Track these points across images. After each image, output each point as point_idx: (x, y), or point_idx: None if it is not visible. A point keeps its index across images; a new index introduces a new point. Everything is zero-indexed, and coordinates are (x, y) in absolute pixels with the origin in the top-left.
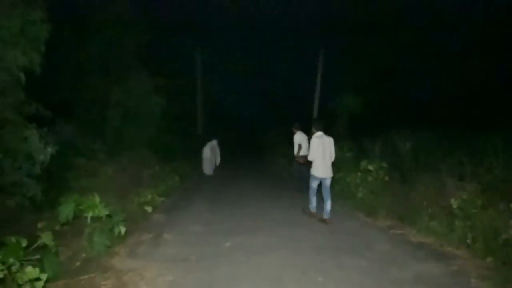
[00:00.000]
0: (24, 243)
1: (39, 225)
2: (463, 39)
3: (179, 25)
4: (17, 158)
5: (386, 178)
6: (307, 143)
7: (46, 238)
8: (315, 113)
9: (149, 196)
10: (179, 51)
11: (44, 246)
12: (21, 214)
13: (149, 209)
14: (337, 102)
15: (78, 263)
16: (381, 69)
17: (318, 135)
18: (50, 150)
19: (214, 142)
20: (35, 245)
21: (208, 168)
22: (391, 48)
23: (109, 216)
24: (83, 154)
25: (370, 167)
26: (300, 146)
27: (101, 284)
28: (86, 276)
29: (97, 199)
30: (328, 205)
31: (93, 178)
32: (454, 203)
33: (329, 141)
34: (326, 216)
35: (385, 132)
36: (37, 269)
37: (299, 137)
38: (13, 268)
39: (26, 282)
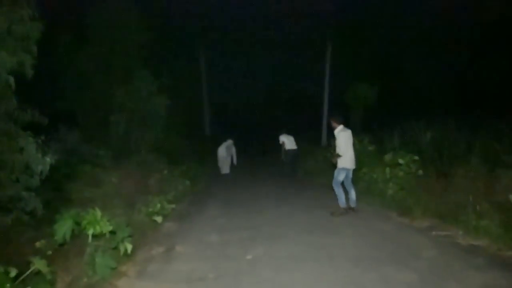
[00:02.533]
0: (13, 272)
1: (38, 244)
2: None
3: (183, 25)
4: (13, 170)
5: (420, 172)
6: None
7: (39, 264)
8: (325, 108)
9: (158, 205)
10: (184, 51)
11: (38, 273)
12: (19, 231)
13: (158, 219)
14: (351, 93)
15: None
16: (390, 58)
17: (341, 128)
18: (49, 159)
19: (229, 142)
20: (26, 274)
21: (224, 167)
22: (399, 36)
23: (113, 232)
24: (88, 161)
25: (401, 161)
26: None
27: None
28: None
29: (98, 213)
30: (353, 194)
31: (96, 187)
32: None
33: (350, 133)
34: (353, 204)
35: (400, 122)
36: None
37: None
38: None
39: None
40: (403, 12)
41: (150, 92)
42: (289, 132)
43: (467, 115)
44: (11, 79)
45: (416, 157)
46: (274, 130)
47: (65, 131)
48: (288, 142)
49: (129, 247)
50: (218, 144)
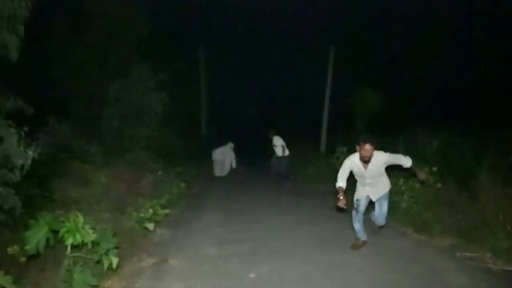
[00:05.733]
0: None
1: (10, 250)
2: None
3: (184, 22)
4: None
5: (439, 185)
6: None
7: (3, 280)
8: (325, 112)
9: (151, 210)
10: (183, 49)
11: None
12: None
13: (150, 226)
14: (357, 98)
15: None
16: (393, 64)
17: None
18: (31, 153)
19: (228, 146)
20: None
21: (218, 170)
22: (403, 42)
23: (96, 242)
24: (77, 157)
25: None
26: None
27: None
28: None
29: (80, 219)
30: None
31: (83, 187)
32: None
33: None
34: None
35: (404, 130)
36: None
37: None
38: None
39: None
40: (410, 18)
41: (148, 87)
42: (279, 134)
43: (472, 124)
44: None
45: (435, 168)
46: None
47: (54, 123)
48: (283, 147)
49: (115, 261)
50: (215, 144)
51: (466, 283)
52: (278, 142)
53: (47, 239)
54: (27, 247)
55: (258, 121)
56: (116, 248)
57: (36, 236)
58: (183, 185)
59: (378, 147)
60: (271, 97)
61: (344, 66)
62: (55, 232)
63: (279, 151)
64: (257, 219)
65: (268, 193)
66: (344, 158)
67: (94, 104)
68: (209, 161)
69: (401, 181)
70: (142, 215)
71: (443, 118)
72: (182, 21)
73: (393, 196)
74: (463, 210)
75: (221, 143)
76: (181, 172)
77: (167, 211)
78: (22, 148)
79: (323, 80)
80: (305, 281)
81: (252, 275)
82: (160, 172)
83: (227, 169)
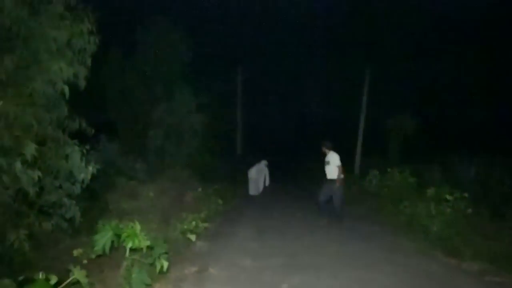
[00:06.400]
0: (53, 279)
1: (75, 252)
2: None
3: (221, 46)
4: (57, 176)
5: (469, 210)
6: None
7: (78, 274)
8: (360, 135)
9: (193, 223)
10: (220, 70)
11: (77, 283)
12: (58, 238)
13: (192, 237)
14: (393, 123)
15: None
16: (432, 88)
17: None
18: (91, 168)
19: (263, 164)
20: (65, 283)
21: (253, 189)
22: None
23: (150, 247)
24: (123, 173)
25: (449, 197)
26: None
27: None
28: None
29: (137, 227)
30: None
31: (133, 200)
32: None
33: None
34: None
35: (440, 155)
36: None
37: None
38: None
39: None
40: (448, 41)
41: (189, 109)
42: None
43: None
44: (67, 89)
45: (466, 194)
46: (304, 155)
47: (105, 142)
48: (339, 168)
49: (166, 264)
50: (250, 163)
51: None
52: (333, 159)
53: (112, 242)
54: (95, 248)
55: (292, 143)
56: (167, 253)
57: (103, 239)
58: (220, 201)
59: (414, 172)
60: (305, 118)
61: (380, 88)
62: (118, 237)
63: (332, 172)
64: (289, 236)
65: (300, 212)
66: (376, 182)
67: (139, 124)
68: (243, 180)
69: (433, 205)
70: (185, 227)
71: (485, 145)
72: (220, 45)
73: (423, 219)
74: (495, 237)
75: (255, 161)
76: (218, 189)
77: (206, 224)
78: (83, 164)
79: (358, 102)
80: None
81: (284, 285)
82: (200, 189)
83: (261, 188)
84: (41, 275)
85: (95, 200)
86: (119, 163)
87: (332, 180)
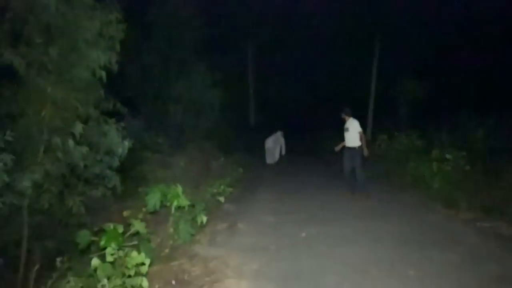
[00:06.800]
0: (120, 229)
1: (125, 213)
2: None
3: (232, 19)
4: (99, 151)
5: (467, 167)
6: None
7: (138, 225)
8: (371, 103)
9: (222, 187)
10: (232, 44)
11: (137, 233)
12: (105, 205)
13: (221, 199)
14: (400, 88)
15: (167, 250)
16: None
17: None
18: (127, 143)
19: (278, 134)
20: (129, 232)
21: (270, 158)
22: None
23: (191, 206)
24: (148, 148)
25: (449, 156)
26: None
27: (191, 270)
28: (176, 263)
29: (179, 189)
30: None
31: (166, 169)
32: None
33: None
34: None
35: (449, 117)
36: (142, 254)
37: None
38: (119, 253)
39: (133, 266)
40: (455, 7)
41: (205, 85)
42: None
43: None
44: (104, 74)
45: (464, 153)
46: (316, 125)
47: (129, 118)
48: (360, 134)
49: (205, 218)
50: (263, 134)
51: (477, 242)
52: (353, 127)
53: (161, 201)
54: (148, 206)
55: (304, 113)
56: (205, 210)
57: (153, 199)
58: (240, 170)
59: (423, 134)
60: (317, 89)
61: (390, 54)
62: (165, 196)
63: (353, 139)
64: (306, 196)
65: (313, 178)
66: (386, 146)
67: (159, 101)
68: (259, 149)
69: (435, 164)
70: (214, 190)
71: (493, 105)
72: (232, 18)
73: (426, 178)
74: (487, 189)
75: (271, 131)
76: (237, 159)
77: (231, 189)
78: (120, 139)
79: (369, 69)
80: (345, 238)
81: (303, 234)
82: (222, 159)
83: (277, 157)
84: (111, 226)
85: (129, 171)
86: (143, 138)
87: (351, 148)
